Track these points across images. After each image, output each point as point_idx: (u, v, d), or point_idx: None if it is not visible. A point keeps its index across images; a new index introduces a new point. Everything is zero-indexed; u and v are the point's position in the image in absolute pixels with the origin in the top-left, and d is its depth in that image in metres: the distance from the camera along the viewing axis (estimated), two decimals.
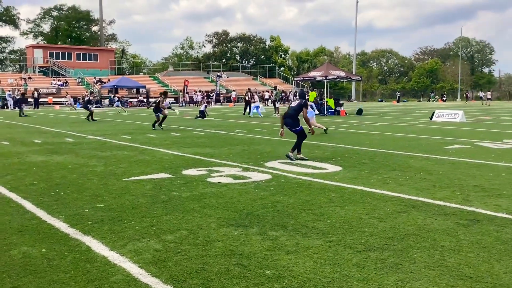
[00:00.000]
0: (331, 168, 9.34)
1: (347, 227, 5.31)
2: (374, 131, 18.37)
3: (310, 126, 10.82)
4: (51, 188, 7.43)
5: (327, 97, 31.99)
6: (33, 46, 66.91)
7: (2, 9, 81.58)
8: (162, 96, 20.05)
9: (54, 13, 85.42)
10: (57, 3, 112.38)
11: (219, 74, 66.57)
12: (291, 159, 10.26)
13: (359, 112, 31.88)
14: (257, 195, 6.92)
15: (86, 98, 28.35)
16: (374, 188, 7.37)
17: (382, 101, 79.75)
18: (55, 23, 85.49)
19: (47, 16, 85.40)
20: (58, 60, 63.90)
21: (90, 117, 24.89)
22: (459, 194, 6.93)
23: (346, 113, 31.35)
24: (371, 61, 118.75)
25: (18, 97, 37.74)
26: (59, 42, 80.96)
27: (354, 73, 67.60)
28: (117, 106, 41.15)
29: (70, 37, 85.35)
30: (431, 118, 25.95)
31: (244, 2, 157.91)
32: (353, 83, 69.72)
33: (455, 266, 4.13)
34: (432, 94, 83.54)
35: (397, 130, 18.84)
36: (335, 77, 32.72)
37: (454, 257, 4.36)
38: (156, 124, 19.36)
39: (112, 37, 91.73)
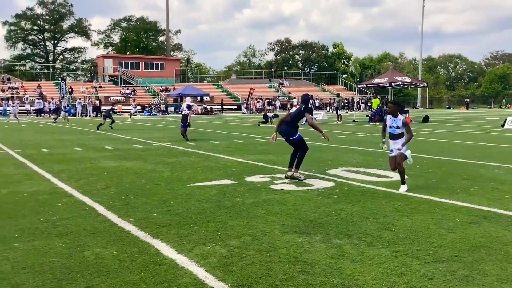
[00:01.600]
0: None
1: (414, 237, 5.18)
2: (442, 139, 17.78)
3: (321, 131, 9.07)
4: (121, 192, 7.74)
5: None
6: (104, 56, 70.03)
7: (75, 21, 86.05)
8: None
9: (124, 24, 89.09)
10: (126, 14, 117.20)
11: (281, 81, 66.79)
12: (300, 180, 8.66)
13: (426, 119, 30.94)
14: (320, 202, 6.89)
15: (109, 108, 28.99)
16: (443, 198, 7.14)
17: (449, 108, 77.00)
18: (124, 33, 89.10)
19: (117, 27, 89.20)
20: (127, 70, 66.47)
21: (111, 125, 24.97)
22: None
23: (411, 120, 30.52)
24: (438, 67, 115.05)
25: (94, 106, 39.55)
26: (128, 52, 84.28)
27: (420, 79, 65.75)
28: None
29: (138, 47, 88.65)
30: (503, 126, 24.78)
31: (308, 10, 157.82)
32: (419, 89, 67.84)
33: None
34: (504, 100, 79.73)
35: (466, 138, 18.13)
36: (400, 83, 31.98)
37: None
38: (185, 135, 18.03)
39: (178, 47, 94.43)
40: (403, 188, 7.70)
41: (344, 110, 51.50)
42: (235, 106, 60.08)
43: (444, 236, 5.19)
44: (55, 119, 32.98)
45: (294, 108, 9.33)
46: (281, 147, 14.95)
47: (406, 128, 7.96)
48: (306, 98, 9.52)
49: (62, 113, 32.87)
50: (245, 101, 58.52)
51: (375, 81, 33.70)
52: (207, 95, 57.89)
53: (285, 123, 9.09)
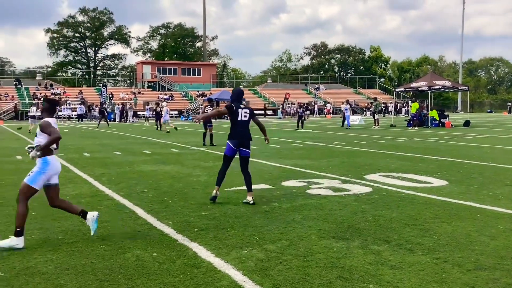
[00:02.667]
0: (436, 182, 8.96)
1: (455, 244, 5.06)
2: (484, 143, 17.32)
3: (266, 135, 8.26)
4: (159, 196, 7.87)
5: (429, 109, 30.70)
6: (143, 63, 71.42)
7: (115, 28, 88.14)
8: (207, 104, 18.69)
9: (162, 31, 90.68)
10: (165, 21, 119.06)
11: (317, 86, 66.45)
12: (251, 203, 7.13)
13: (467, 123, 30.19)
14: (357, 208, 6.83)
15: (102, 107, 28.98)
16: (485, 204, 6.96)
17: (491, 112, 74.90)
18: (163, 40, 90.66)
19: (155, 34, 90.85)
20: (164, 75, 67.58)
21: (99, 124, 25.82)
22: None
23: (452, 124, 29.86)
24: (479, 70, 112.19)
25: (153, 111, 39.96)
26: (166, 58, 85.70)
27: (460, 82, 64.24)
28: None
29: (176, 53, 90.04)
30: None
31: (345, 14, 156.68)
32: (459, 93, 66.32)
33: None
34: None
35: (509, 143, 17.60)
36: (440, 87, 31.35)
37: None
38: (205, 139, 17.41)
39: (214, 52, 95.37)
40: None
41: (382, 114, 50.75)
42: (271, 111, 60.12)
43: (486, 244, 5.06)
44: (98, 123, 33.79)
45: (244, 114, 7.59)
46: (317, 152, 14.89)
47: None
48: (238, 94, 7.84)
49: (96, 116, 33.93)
50: (281, 106, 58.50)
51: (414, 84, 33.15)
52: (243, 100, 58.18)
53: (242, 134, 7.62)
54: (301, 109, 30.37)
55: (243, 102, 7.82)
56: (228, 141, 7.47)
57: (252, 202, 7.12)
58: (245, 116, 7.48)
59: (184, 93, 63.83)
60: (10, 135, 24.43)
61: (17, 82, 57.00)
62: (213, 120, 18.06)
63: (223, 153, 7.71)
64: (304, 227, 5.82)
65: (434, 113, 30.10)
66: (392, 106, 52.89)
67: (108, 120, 36.05)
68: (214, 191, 7.31)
